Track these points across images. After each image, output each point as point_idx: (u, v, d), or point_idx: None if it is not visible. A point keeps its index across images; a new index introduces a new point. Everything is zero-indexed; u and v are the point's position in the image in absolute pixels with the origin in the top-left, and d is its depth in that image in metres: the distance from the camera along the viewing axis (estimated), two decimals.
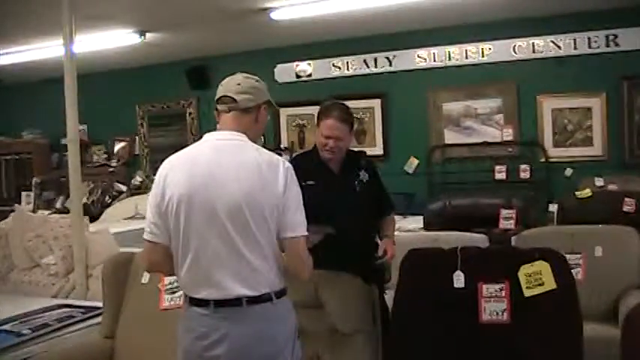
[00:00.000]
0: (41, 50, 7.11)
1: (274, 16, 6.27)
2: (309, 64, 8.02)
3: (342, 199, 3.41)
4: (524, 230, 4.69)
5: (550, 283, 2.94)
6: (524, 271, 2.97)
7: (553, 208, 5.65)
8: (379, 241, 3.69)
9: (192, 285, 2.46)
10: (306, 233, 2.47)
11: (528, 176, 6.85)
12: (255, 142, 2.60)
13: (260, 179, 2.40)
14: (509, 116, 7.05)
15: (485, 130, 7.18)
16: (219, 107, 2.58)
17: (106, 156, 9.24)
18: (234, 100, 2.54)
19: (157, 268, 2.64)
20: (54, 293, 4.91)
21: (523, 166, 6.89)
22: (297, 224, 2.45)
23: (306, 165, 3.55)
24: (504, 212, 5.38)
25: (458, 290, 3.02)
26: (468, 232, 4.79)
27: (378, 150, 7.72)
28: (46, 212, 7.16)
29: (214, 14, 6.27)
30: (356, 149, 3.77)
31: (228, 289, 2.39)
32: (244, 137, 2.52)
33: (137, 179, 8.86)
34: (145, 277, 3.55)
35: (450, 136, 7.36)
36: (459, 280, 3.01)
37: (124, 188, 8.75)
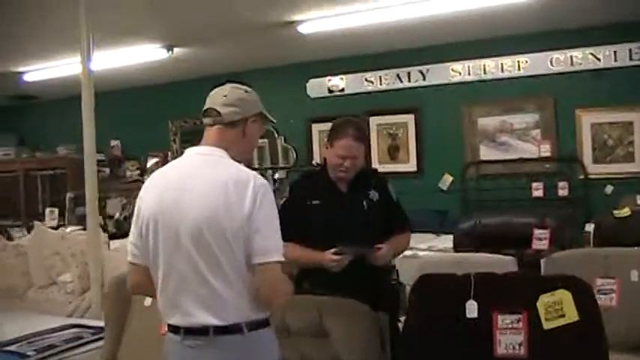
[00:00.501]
0: (72, 66, 7.09)
1: (302, 29, 6.13)
2: (342, 78, 7.86)
3: (349, 219, 3.24)
4: (557, 251, 4.44)
5: (572, 315, 2.70)
6: (543, 301, 2.73)
7: (590, 227, 5.35)
8: (395, 263, 3.51)
9: (165, 310, 2.32)
10: (281, 259, 2.24)
11: (567, 194, 6.56)
12: (245, 158, 2.44)
13: (224, 199, 2.21)
14: (547, 131, 6.77)
15: (521, 146, 6.91)
16: (204, 120, 2.42)
17: (139, 171, 9.20)
18: (219, 114, 2.38)
19: (139, 290, 2.50)
20: (69, 312, 4.83)
21: (561, 184, 6.60)
22: (268, 249, 2.22)
23: (312, 183, 3.42)
24: (537, 232, 5.08)
25: (471, 320, 2.79)
26: (499, 252, 4.57)
27: (411, 166, 7.53)
28: (77, 228, 7.14)
29: (240, 28, 6.18)
30: (372, 167, 3.60)
31: (195, 316, 2.23)
32: (223, 153, 2.35)
33: None
34: (148, 300, 3.42)
35: (486, 152, 7.12)
36: (472, 309, 2.78)
37: None
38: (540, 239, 5.07)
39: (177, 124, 9.01)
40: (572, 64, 6.56)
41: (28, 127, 9.91)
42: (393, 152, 7.64)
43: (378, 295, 3.17)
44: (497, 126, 7.02)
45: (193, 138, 8.54)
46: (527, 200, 6.64)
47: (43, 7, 5.06)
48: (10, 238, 6.34)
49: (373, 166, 7.63)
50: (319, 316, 2.95)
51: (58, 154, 9.27)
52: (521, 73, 6.81)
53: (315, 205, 3.29)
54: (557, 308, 2.72)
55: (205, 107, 2.43)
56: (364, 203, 3.31)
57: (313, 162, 8.00)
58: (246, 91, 2.45)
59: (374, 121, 7.69)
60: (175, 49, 6.84)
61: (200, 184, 2.26)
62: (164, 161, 9.02)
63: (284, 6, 5.60)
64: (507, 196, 6.72)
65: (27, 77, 7.52)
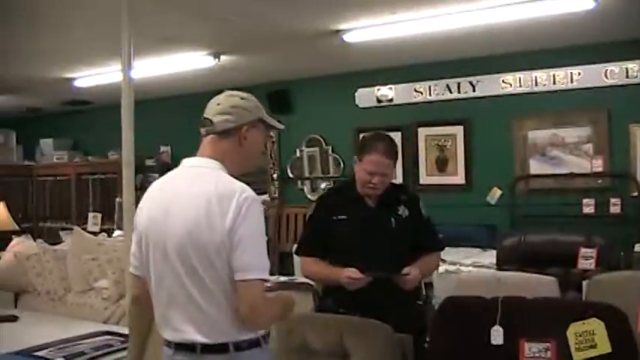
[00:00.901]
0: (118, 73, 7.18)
1: (347, 38, 6.05)
2: (391, 88, 7.75)
3: (376, 236, 3.15)
4: (604, 272, 4.25)
5: (604, 346, 2.54)
6: (574, 330, 2.58)
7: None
8: (422, 284, 3.40)
9: (159, 323, 2.29)
10: (264, 277, 2.14)
11: (619, 210, 6.29)
12: (246, 167, 2.37)
13: (206, 214, 2.13)
14: (600, 146, 6.52)
15: (572, 161, 6.67)
16: (201, 130, 2.36)
17: None
18: (212, 123, 2.31)
19: (139, 302, 2.42)
20: (105, 318, 4.86)
21: (614, 200, 6.32)
22: (249, 265, 2.11)
23: (340, 198, 3.33)
24: (584, 251, 4.90)
25: (496, 347, 2.66)
26: (543, 270, 4.42)
27: (459, 179, 7.35)
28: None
29: (285, 37, 6.13)
30: (398, 183, 3.51)
31: (183, 332, 2.18)
32: (217, 164, 2.27)
33: None
34: None
35: (536, 166, 6.89)
36: (497, 335, 2.65)
37: None
38: (586, 258, 4.90)
39: None
40: (627, 76, 6.29)
41: (82, 131, 10.07)
42: (441, 164, 7.48)
43: (403, 316, 3.07)
44: (548, 139, 6.79)
45: None
46: (578, 217, 6.39)
47: (91, 14, 5.09)
48: (58, 241, 6.43)
49: (421, 178, 7.56)
50: (340, 336, 2.86)
51: (109, 158, 9.40)
52: (574, 85, 6.57)
53: (340, 221, 3.21)
54: (589, 338, 2.57)
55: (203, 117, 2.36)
56: (392, 220, 3.21)
57: None
58: (242, 98, 2.38)
59: (422, 132, 7.56)
60: (222, 57, 6.83)
61: (184, 197, 2.21)
62: None
63: (329, 15, 5.53)
64: (557, 212, 6.47)
65: (77, 83, 7.61)
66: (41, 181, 9.52)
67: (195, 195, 2.18)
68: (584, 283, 4.14)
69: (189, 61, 6.90)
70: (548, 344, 2.60)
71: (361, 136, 3.26)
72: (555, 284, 4.07)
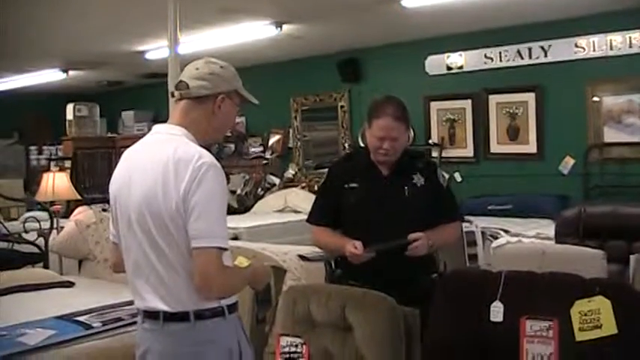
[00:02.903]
0: (190, 44, 7.25)
1: (405, 3, 5.89)
2: (461, 55, 7.52)
3: (388, 205, 3.05)
4: None
5: (610, 327, 2.36)
6: (578, 309, 2.41)
7: None
8: (437, 255, 3.27)
9: (131, 291, 2.30)
10: (221, 245, 2.09)
11: None
12: (214, 138, 2.36)
13: (163, 180, 2.11)
14: None
15: None
16: (174, 93, 2.31)
17: (261, 148, 9.32)
18: (187, 86, 2.26)
19: (119, 269, 2.41)
20: None
21: None
22: (204, 232, 2.07)
23: (352, 166, 3.24)
24: None
25: (495, 325, 2.52)
26: (604, 244, 4.21)
27: (531, 148, 7.07)
28: None
29: (343, 4, 6.03)
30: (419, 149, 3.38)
31: (147, 300, 2.19)
32: (180, 131, 2.23)
33: (290, 172, 8.89)
34: None
35: (610, 134, 6.53)
36: (497, 312, 2.51)
37: (276, 181, 8.81)
38: None
39: (299, 102, 9.03)
40: None
41: (161, 103, 10.26)
42: (513, 133, 7.21)
43: (414, 289, 2.97)
44: (624, 106, 6.41)
45: (314, 116, 8.64)
46: None
47: None
48: None
49: (492, 147, 7.32)
50: (342, 308, 2.80)
51: None
52: None
53: (352, 189, 3.12)
54: (594, 317, 2.39)
55: (177, 80, 2.32)
56: (406, 188, 3.10)
57: (430, 141, 7.76)
58: (222, 67, 2.32)
59: (493, 99, 7.31)
60: (284, 26, 6.79)
61: (144, 165, 2.20)
62: (285, 138, 9.10)
63: None
64: (634, 182, 6.17)
65: (148, 56, 7.76)
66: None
67: (153, 162, 2.17)
68: (632, 257, 3.89)
69: (252, 31, 6.89)
70: (550, 322, 2.43)
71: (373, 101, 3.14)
72: (602, 258, 3.85)
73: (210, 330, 2.18)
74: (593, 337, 2.38)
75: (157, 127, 2.33)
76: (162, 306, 2.16)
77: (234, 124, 2.47)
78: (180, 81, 2.30)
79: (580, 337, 2.40)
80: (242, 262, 2.36)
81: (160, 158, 2.15)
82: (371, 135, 3.10)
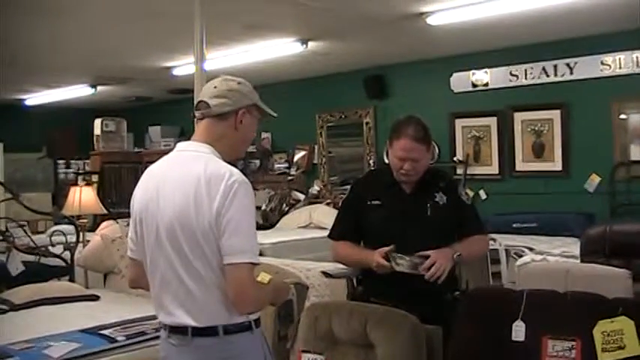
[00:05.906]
0: (215, 61, 7.33)
1: (430, 21, 5.91)
2: (486, 72, 7.51)
3: (410, 223, 3.05)
4: None
5: (634, 347, 2.34)
6: (601, 329, 2.40)
7: None
8: (460, 272, 3.26)
9: (154, 306, 2.32)
10: (253, 261, 2.13)
11: None
12: (238, 153, 2.38)
13: (195, 197, 2.14)
14: None
15: None
16: (195, 114, 2.36)
17: (286, 164, 9.36)
18: (208, 105, 2.30)
19: (136, 285, 2.47)
20: None
21: None
22: (237, 248, 2.11)
23: (375, 182, 3.25)
24: None
25: (517, 344, 2.51)
26: (630, 263, 4.15)
27: (556, 166, 7.03)
28: None
29: (367, 21, 6.07)
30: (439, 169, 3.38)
31: (175, 315, 2.21)
32: (208, 148, 2.27)
33: (315, 188, 8.90)
34: None
35: (637, 152, 6.48)
36: (518, 331, 2.50)
37: (301, 197, 8.83)
38: None
39: (324, 118, 9.07)
40: None
41: (188, 119, 10.37)
42: (538, 150, 7.18)
43: (436, 307, 2.96)
44: None
45: (339, 132, 8.65)
46: None
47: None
48: None
49: (517, 165, 7.29)
50: (364, 326, 2.80)
51: None
52: None
53: (374, 206, 3.14)
54: (617, 338, 2.37)
55: (197, 101, 2.37)
56: (428, 206, 3.10)
57: (455, 158, 7.75)
58: (239, 83, 2.36)
59: (518, 116, 7.29)
60: (310, 43, 6.83)
61: (174, 181, 2.22)
62: (310, 154, 9.13)
63: None
64: None
65: (175, 72, 7.85)
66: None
67: (184, 179, 2.20)
68: None
69: (277, 48, 6.94)
70: (573, 343, 2.43)
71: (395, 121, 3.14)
72: (628, 277, 3.81)
73: (238, 344, 2.21)
74: (617, 358, 2.36)
75: (182, 145, 2.37)
76: (190, 321, 2.19)
77: (254, 137, 2.50)
78: (200, 101, 2.34)
79: (603, 357, 2.38)
80: (264, 277, 2.38)
81: (191, 175, 2.19)
82: (392, 155, 3.12)
